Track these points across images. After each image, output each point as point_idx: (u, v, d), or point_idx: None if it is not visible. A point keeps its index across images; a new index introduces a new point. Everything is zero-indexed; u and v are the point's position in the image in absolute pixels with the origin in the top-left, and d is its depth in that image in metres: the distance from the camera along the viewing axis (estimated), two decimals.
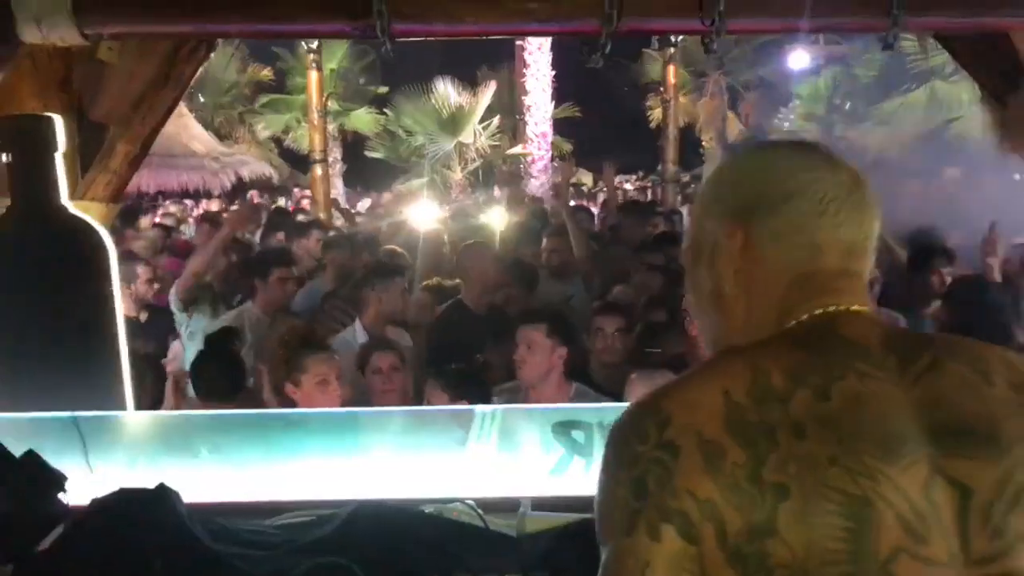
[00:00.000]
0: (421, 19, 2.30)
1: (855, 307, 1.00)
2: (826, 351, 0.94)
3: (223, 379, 3.06)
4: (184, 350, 4.37)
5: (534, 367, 3.51)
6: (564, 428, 2.37)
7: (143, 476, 2.34)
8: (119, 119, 2.85)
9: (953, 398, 0.92)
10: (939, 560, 0.86)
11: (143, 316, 5.33)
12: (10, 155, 2.42)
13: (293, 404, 3.01)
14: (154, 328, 5.08)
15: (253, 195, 15.59)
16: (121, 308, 2.51)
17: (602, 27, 2.27)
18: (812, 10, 2.28)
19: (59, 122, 2.48)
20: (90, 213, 2.81)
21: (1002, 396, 0.93)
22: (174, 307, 4.63)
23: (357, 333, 4.02)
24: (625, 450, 0.91)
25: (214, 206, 15.36)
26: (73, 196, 2.80)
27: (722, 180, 1.08)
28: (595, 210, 11.22)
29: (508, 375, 3.85)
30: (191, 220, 10.87)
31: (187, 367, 3.91)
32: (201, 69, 2.85)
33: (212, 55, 2.86)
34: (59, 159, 2.50)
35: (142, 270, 5.59)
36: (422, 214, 7.35)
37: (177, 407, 3.31)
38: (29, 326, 2.42)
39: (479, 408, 2.42)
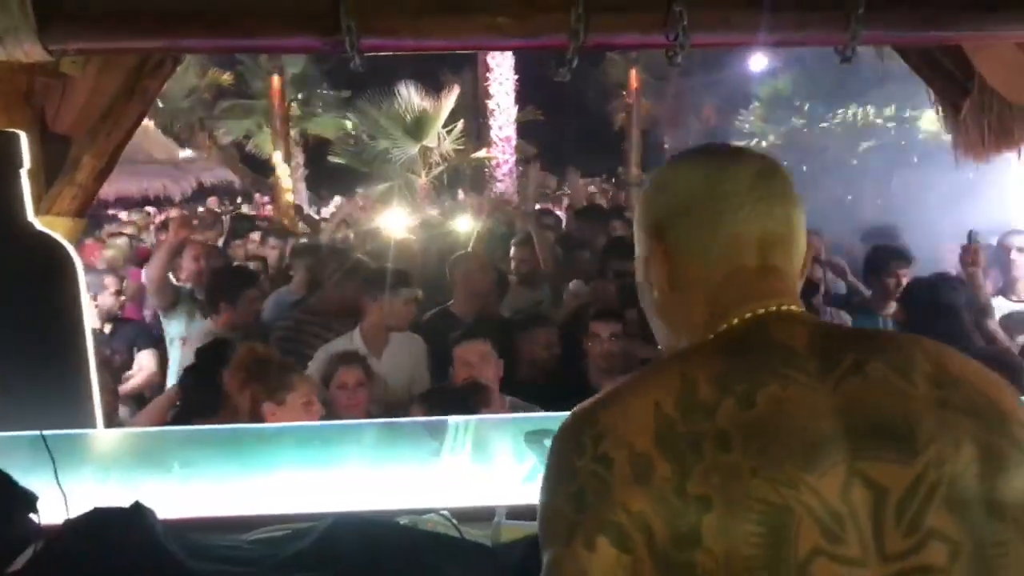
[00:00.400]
0: (390, 34, 2.32)
1: (785, 307, 1.04)
2: (753, 356, 0.98)
3: (209, 397, 3.06)
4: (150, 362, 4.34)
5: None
6: (536, 436, 2.41)
7: (115, 493, 2.33)
8: (84, 132, 2.83)
9: (872, 400, 0.95)
10: (855, 559, 0.90)
11: (107, 328, 5.28)
12: None
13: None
14: (119, 340, 5.03)
15: (212, 201, 15.43)
16: (90, 324, 2.49)
17: (569, 42, 2.31)
18: (772, 25, 2.34)
19: (24, 138, 2.45)
20: (56, 227, 2.78)
21: (922, 394, 0.96)
22: (161, 315, 4.58)
23: (355, 341, 4.01)
24: (564, 463, 0.96)
25: (174, 213, 15.19)
26: (38, 211, 2.78)
27: (644, 194, 1.15)
28: (560, 213, 11.30)
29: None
30: (152, 228, 10.72)
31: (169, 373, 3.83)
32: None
33: (178, 68, 2.84)
34: (24, 175, 2.48)
35: (109, 280, 5.53)
36: (390, 221, 7.33)
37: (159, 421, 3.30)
38: None
39: (452, 419, 2.44)
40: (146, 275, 4.68)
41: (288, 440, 2.44)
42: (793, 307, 1.05)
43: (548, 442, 2.51)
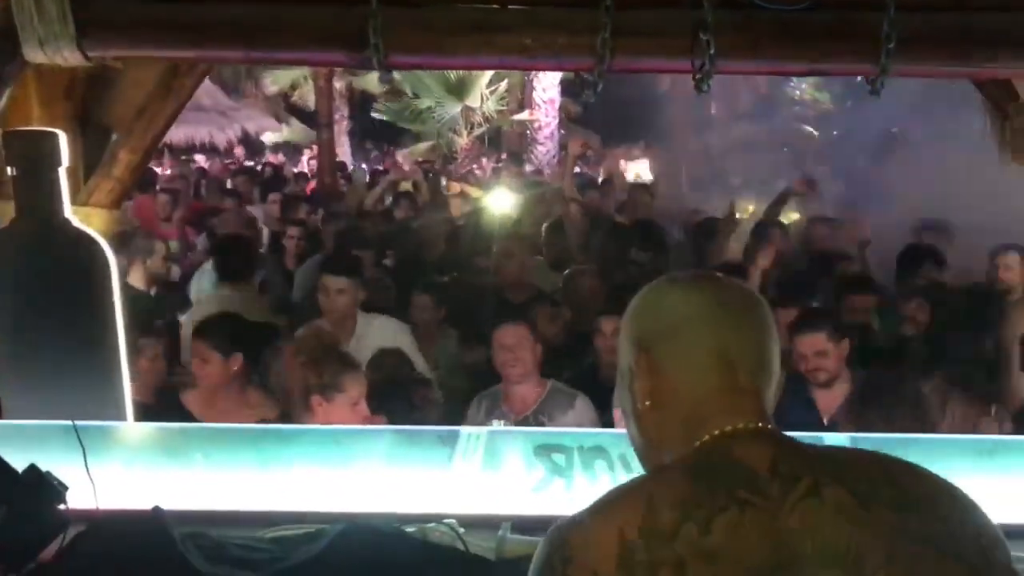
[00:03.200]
0: (416, 52, 2.34)
1: (753, 425, 1.10)
2: (717, 478, 1.03)
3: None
4: None
5: (523, 366, 3.60)
6: (545, 450, 2.47)
7: (141, 483, 2.46)
8: (122, 126, 2.91)
9: (825, 526, 0.99)
10: None
11: (153, 290, 5.42)
12: (16, 169, 2.49)
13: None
14: (165, 302, 5.16)
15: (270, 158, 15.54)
16: (122, 321, 2.59)
17: (595, 65, 2.31)
18: (800, 55, 2.32)
19: (63, 138, 2.54)
20: (92, 219, 2.89)
21: (876, 519, 0.99)
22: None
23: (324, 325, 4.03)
24: None
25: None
26: (75, 202, 2.88)
27: (633, 309, 1.23)
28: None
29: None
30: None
31: None
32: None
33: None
34: (63, 173, 2.56)
35: (159, 246, 5.63)
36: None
37: None
38: (33, 337, 2.51)
39: (464, 429, 2.52)
40: None
41: (306, 441, 2.53)
42: (761, 425, 1.10)
43: (556, 456, 2.57)
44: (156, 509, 2.07)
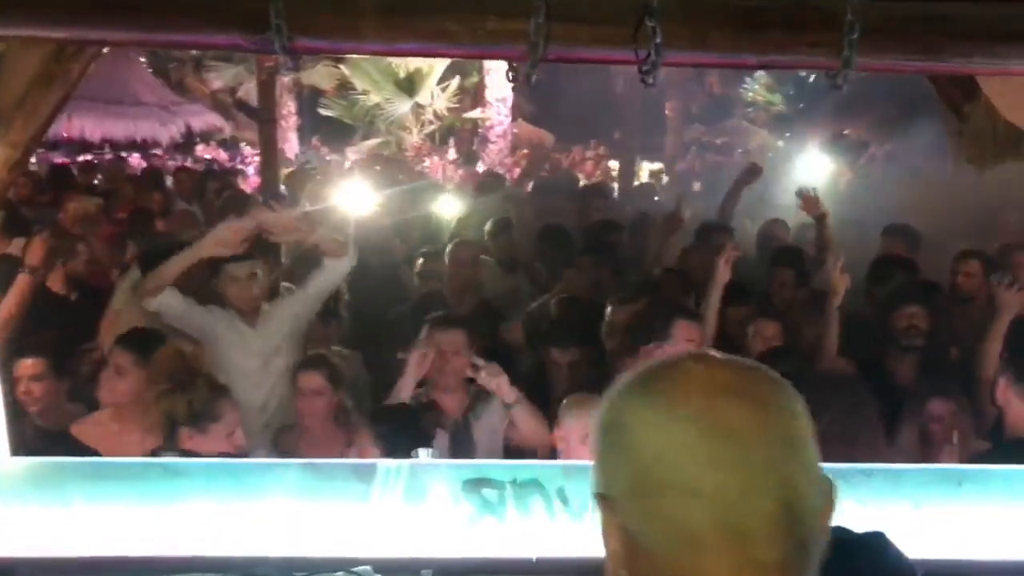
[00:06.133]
0: (325, 35, 2.07)
1: None
2: None
3: None
4: None
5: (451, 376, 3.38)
6: (474, 486, 2.22)
7: (10, 526, 2.15)
8: (1, 117, 2.58)
9: None
10: None
11: (73, 295, 5.01)
12: None
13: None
14: (84, 309, 4.76)
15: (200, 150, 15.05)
16: None
17: (527, 53, 2.06)
18: (755, 46, 2.09)
19: None
20: None
21: None
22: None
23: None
24: None
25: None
26: None
27: (595, 444, 0.88)
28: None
29: None
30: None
31: None
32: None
33: (104, 51, 2.58)
34: None
35: (81, 248, 5.21)
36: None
37: None
38: None
39: (382, 462, 2.25)
40: None
41: (199, 475, 2.23)
42: None
43: (487, 492, 2.31)
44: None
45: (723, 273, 3.69)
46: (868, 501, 2.21)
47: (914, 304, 3.78)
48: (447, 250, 4.95)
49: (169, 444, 2.72)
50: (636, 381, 0.87)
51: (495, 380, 3.24)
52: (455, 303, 4.61)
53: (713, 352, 0.91)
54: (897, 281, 4.23)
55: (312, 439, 3.22)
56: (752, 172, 5.84)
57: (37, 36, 2.16)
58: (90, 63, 2.52)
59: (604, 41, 2.09)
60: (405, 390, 3.27)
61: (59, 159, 13.51)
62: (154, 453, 2.68)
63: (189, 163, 14.66)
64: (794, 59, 2.11)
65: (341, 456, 3.03)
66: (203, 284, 3.76)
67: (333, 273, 3.79)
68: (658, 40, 2.01)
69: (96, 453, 2.97)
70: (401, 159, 13.40)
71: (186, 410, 2.70)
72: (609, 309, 3.93)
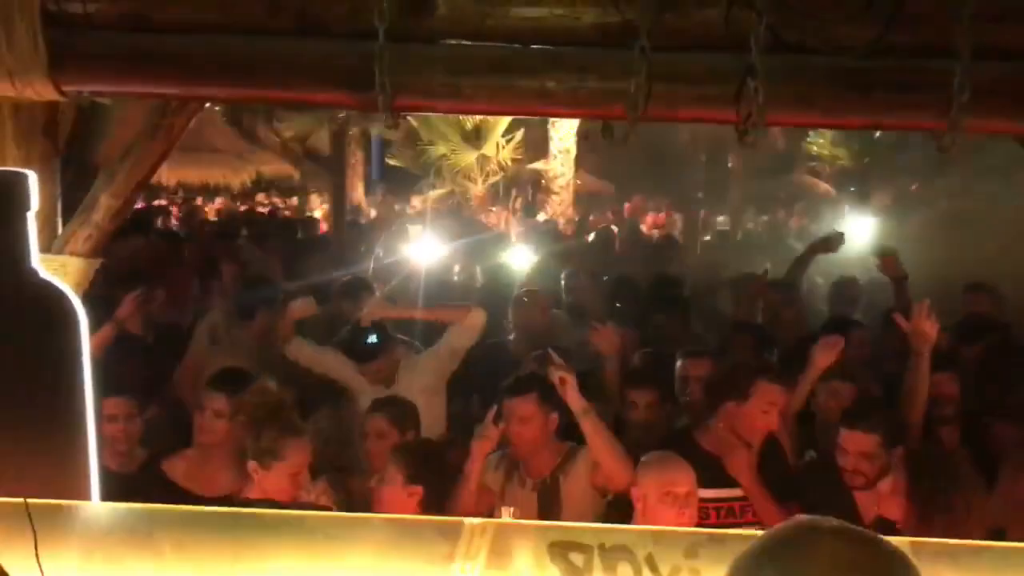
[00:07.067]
0: (426, 95, 2.09)
1: None
2: None
3: None
4: None
5: (527, 440, 3.32)
6: (561, 549, 2.16)
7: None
8: (107, 167, 2.67)
9: None
10: None
11: (150, 337, 5.11)
12: None
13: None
14: (162, 350, 4.84)
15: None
16: (90, 384, 2.31)
17: (627, 114, 2.05)
18: (863, 107, 2.06)
19: (33, 178, 2.28)
20: (67, 268, 2.63)
21: None
22: None
23: None
24: None
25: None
26: (50, 249, 2.63)
27: None
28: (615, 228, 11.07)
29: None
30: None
31: None
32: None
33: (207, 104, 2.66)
34: (31, 218, 2.30)
35: (159, 292, 5.33)
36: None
37: None
38: None
39: (467, 520, 2.21)
40: None
41: (288, 529, 2.22)
42: None
43: (573, 556, 2.25)
44: None
45: (822, 360, 3.56)
46: None
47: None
48: (512, 299, 4.92)
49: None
50: (765, 552, 0.96)
51: (565, 378, 3.20)
52: (520, 353, 4.58)
53: (837, 524, 0.99)
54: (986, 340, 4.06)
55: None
56: (832, 241, 5.64)
57: (150, 92, 2.24)
58: (192, 117, 2.59)
59: (705, 100, 2.08)
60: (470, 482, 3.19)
61: (137, 204, 13.99)
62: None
63: (260, 209, 15.02)
64: (900, 120, 2.06)
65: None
66: None
67: (465, 332, 3.94)
68: (760, 100, 1.99)
69: (183, 490, 3.02)
70: (465, 209, 13.57)
71: (254, 445, 2.74)
72: (680, 363, 3.89)
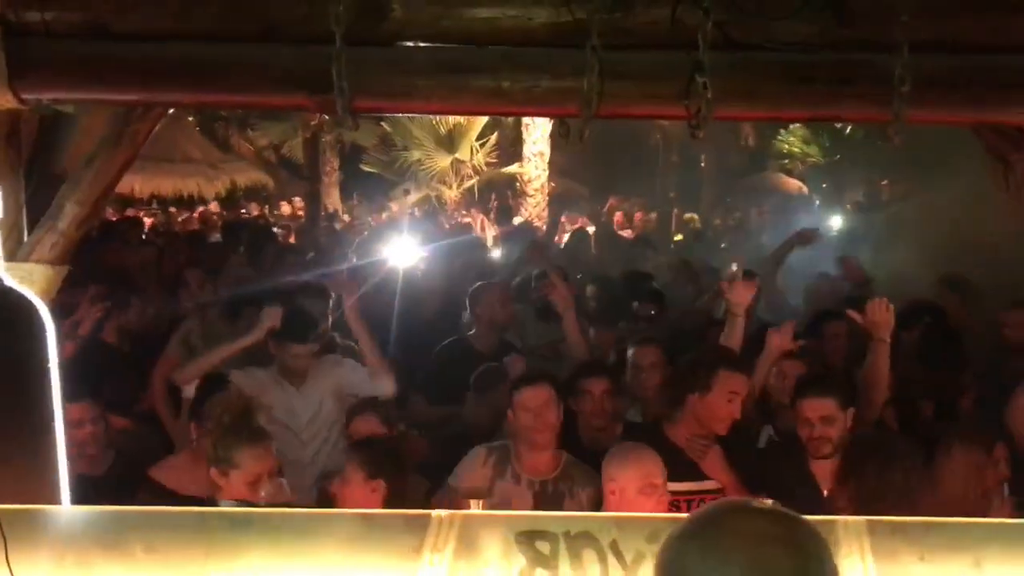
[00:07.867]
0: (385, 96, 2.14)
1: None
2: None
3: None
4: None
5: (539, 430, 3.25)
6: (528, 538, 2.21)
7: None
8: (71, 175, 2.68)
9: None
10: None
11: (125, 347, 5.11)
12: None
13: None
14: (136, 360, 4.84)
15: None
16: (57, 388, 2.33)
17: (580, 111, 2.11)
18: (805, 100, 2.12)
19: None
20: (34, 276, 2.64)
21: None
22: None
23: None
24: None
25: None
26: (15, 257, 2.64)
27: (656, 570, 1.06)
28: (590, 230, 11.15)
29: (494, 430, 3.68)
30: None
31: None
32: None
33: (170, 111, 2.69)
34: None
35: (135, 301, 5.33)
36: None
37: None
38: None
39: (435, 513, 2.25)
40: None
41: (258, 527, 2.25)
42: None
43: (540, 544, 2.29)
44: None
45: (777, 344, 3.62)
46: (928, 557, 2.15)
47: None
48: (469, 293, 4.89)
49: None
50: (691, 530, 1.05)
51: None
52: (481, 346, 4.61)
53: (759, 503, 1.12)
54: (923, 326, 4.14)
55: None
56: (805, 237, 5.67)
57: (110, 99, 2.26)
58: (156, 124, 2.62)
59: (655, 97, 2.14)
60: None
61: (108, 215, 13.89)
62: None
63: (234, 218, 14.97)
64: (843, 112, 2.13)
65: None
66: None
67: (373, 388, 3.90)
68: (709, 95, 2.05)
69: (174, 494, 3.06)
70: (440, 212, 13.60)
71: (212, 453, 2.78)
72: (630, 352, 3.94)
